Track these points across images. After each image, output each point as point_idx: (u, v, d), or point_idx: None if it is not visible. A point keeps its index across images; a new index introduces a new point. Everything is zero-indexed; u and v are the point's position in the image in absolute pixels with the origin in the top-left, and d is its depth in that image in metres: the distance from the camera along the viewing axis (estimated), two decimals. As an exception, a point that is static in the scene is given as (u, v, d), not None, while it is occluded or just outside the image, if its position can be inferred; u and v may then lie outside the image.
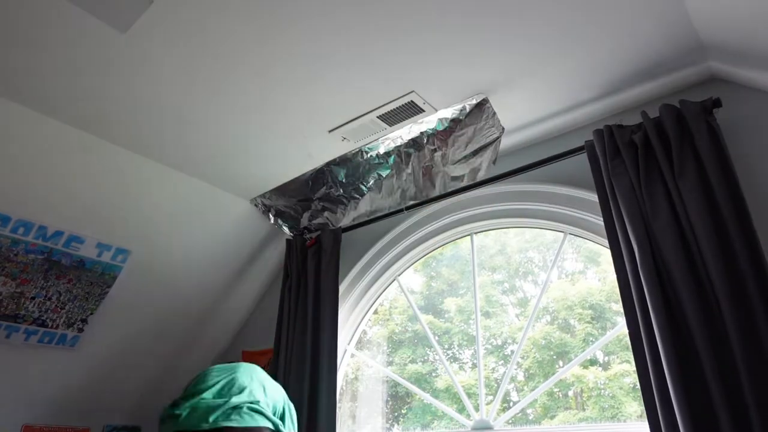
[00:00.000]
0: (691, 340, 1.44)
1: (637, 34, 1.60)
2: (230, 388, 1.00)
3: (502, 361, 2.29)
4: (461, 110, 1.98)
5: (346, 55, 1.67)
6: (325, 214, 2.65)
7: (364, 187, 2.48)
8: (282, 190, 2.50)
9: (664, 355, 1.45)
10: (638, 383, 1.53)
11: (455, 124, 2.06)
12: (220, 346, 3.02)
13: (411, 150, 2.25)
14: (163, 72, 1.73)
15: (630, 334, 1.59)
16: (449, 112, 2.00)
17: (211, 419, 0.93)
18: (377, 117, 1.97)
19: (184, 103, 1.88)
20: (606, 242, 1.75)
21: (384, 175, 2.38)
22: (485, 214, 2.32)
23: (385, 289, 2.69)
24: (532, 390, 2.12)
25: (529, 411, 2.11)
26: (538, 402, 2.13)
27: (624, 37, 1.62)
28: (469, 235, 2.44)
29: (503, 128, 2.02)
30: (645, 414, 1.50)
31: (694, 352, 1.43)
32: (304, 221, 2.68)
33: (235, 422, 0.95)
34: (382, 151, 2.28)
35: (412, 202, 2.35)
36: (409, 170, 2.32)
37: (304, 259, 2.61)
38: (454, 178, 2.21)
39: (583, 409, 2.08)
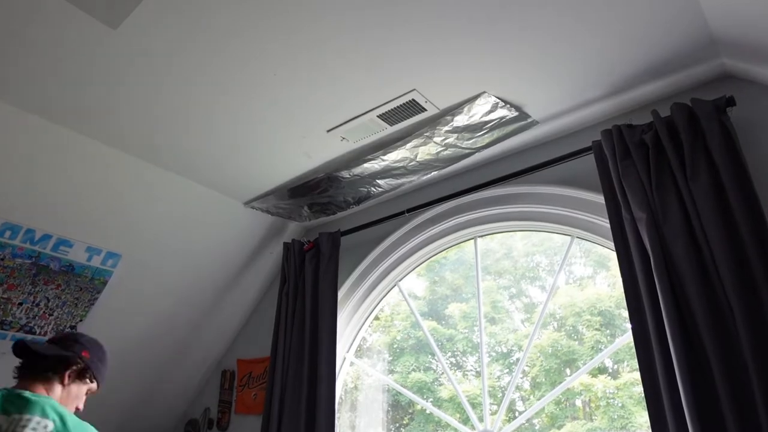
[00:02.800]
0: (701, 347, 1.39)
1: (647, 29, 1.55)
2: None
3: (508, 369, 2.23)
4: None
5: (346, 53, 1.62)
6: (324, 216, 2.59)
7: (364, 190, 2.42)
8: (279, 192, 2.44)
9: (677, 363, 1.40)
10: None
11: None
12: (214, 353, 2.95)
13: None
14: (157, 72, 1.67)
15: (635, 340, 1.53)
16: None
17: None
18: (377, 116, 1.91)
19: (178, 103, 1.82)
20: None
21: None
22: (489, 216, 2.26)
23: (385, 295, 2.62)
24: (539, 399, 2.06)
25: (535, 421, 2.06)
26: (544, 411, 2.08)
27: (633, 32, 1.56)
28: (473, 238, 2.38)
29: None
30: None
31: (704, 359, 1.38)
32: (302, 223, 2.62)
33: None
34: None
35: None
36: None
37: (301, 263, 2.55)
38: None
39: (592, 419, 2.03)
